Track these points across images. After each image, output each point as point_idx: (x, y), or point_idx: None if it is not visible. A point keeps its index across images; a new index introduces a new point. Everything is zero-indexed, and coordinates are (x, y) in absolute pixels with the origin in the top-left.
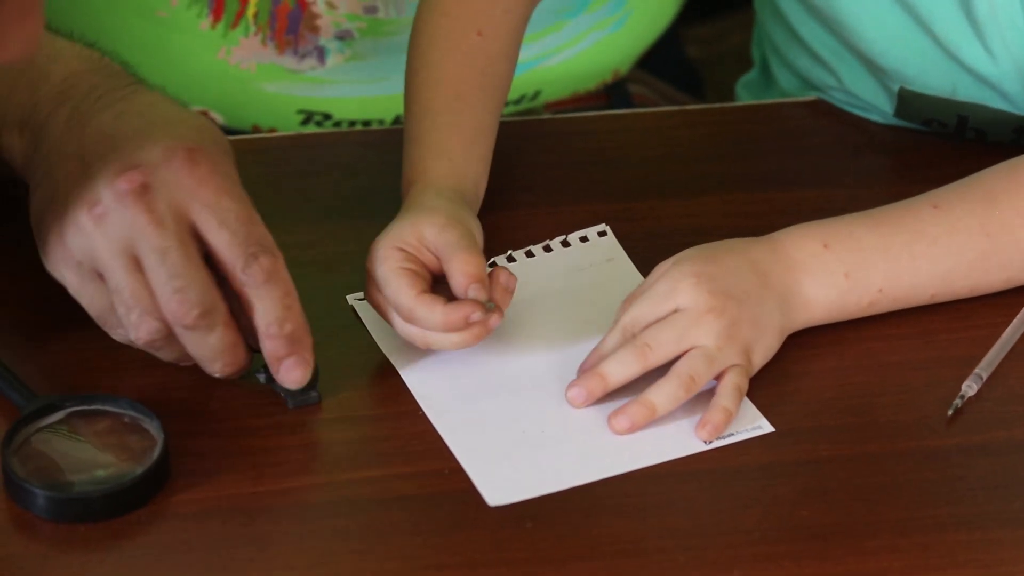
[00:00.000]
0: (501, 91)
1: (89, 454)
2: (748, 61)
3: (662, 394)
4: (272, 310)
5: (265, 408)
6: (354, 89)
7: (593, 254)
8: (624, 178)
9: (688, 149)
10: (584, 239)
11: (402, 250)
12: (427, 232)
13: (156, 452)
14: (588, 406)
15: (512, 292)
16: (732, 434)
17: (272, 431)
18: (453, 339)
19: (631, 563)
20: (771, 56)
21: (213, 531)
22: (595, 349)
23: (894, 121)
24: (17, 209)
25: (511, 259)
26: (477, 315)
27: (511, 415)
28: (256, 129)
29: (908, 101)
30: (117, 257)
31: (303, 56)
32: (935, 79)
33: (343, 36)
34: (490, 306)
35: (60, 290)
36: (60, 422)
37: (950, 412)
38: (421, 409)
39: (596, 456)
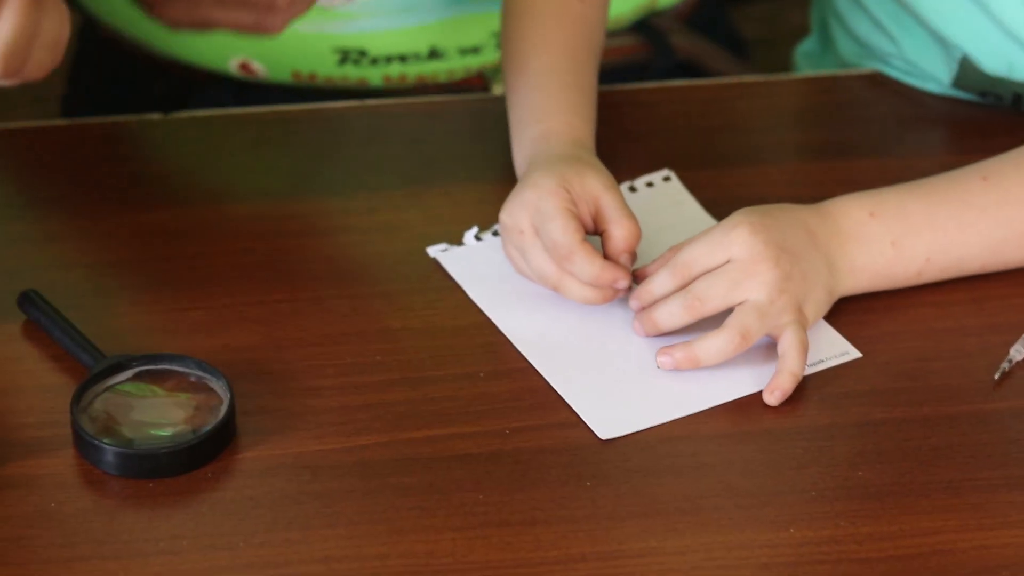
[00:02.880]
0: (599, 57)
1: (157, 412)
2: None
3: (712, 348)
4: None
5: (328, 369)
6: (386, 21)
7: (660, 198)
8: (683, 148)
9: (746, 119)
10: (650, 184)
11: (568, 192)
12: (593, 186)
13: (223, 410)
14: None
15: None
16: (822, 360)
17: (336, 391)
18: (587, 293)
19: (688, 519)
20: (832, 22)
21: (278, 488)
22: (645, 283)
23: (951, 92)
24: (94, 185)
25: None
26: (623, 283)
27: (606, 356)
28: (296, 75)
29: (968, 71)
30: None
31: None
32: (992, 57)
33: None
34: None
35: (129, 255)
36: (128, 381)
37: (997, 376)
38: (480, 371)
39: (694, 389)
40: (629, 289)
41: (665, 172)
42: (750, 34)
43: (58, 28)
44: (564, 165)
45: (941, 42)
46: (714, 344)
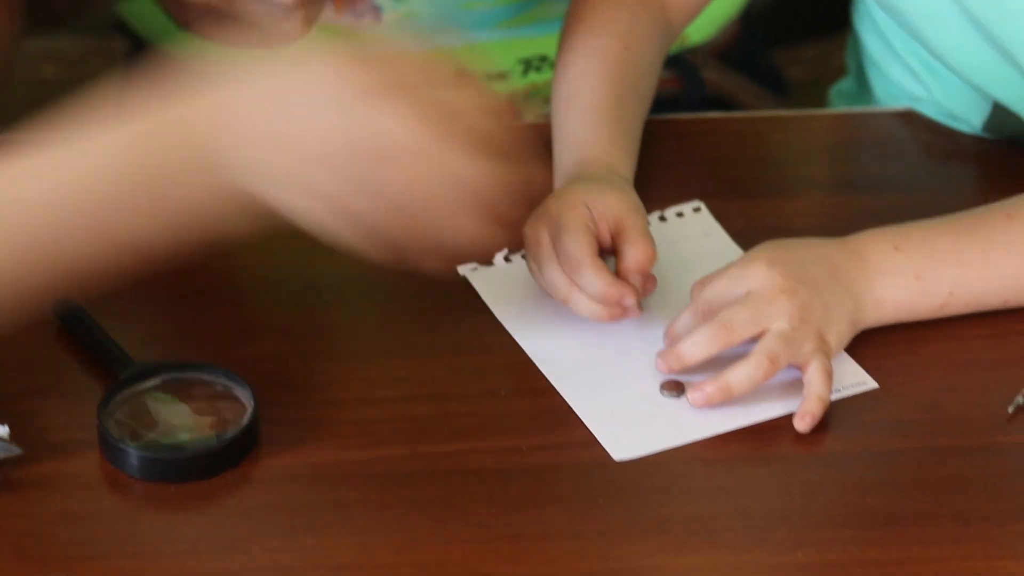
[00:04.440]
0: (646, 103)
1: (182, 418)
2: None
3: (741, 376)
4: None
5: (352, 382)
6: (476, 36)
7: (689, 228)
8: (714, 179)
9: (778, 152)
10: (680, 215)
11: (589, 209)
12: (615, 206)
13: (246, 418)
14: None
15: (649, 294)
16: (839, 390)
17: (358, 404)
18: (594, 308)
19: (697, 539)
20: (867, 65)
21: (296, 495)
22: (670, 325)
23: (983, 134)
24: None
25: None
26: (631, 301)
27: (625, 378)
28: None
29: (999, 116)
30: None
31: (360, 15)
32: (1019, 105)
33: None
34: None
35: (161, 263)
36: (155, 387)
37: (1011, 409)
38: (501, 389)
39: (709, 414)
40: (639, 312)
41: (696, 203)
42: (797, 76)
43: None
44: (592, 184)
45: (972, 88)
46: (744, 372)
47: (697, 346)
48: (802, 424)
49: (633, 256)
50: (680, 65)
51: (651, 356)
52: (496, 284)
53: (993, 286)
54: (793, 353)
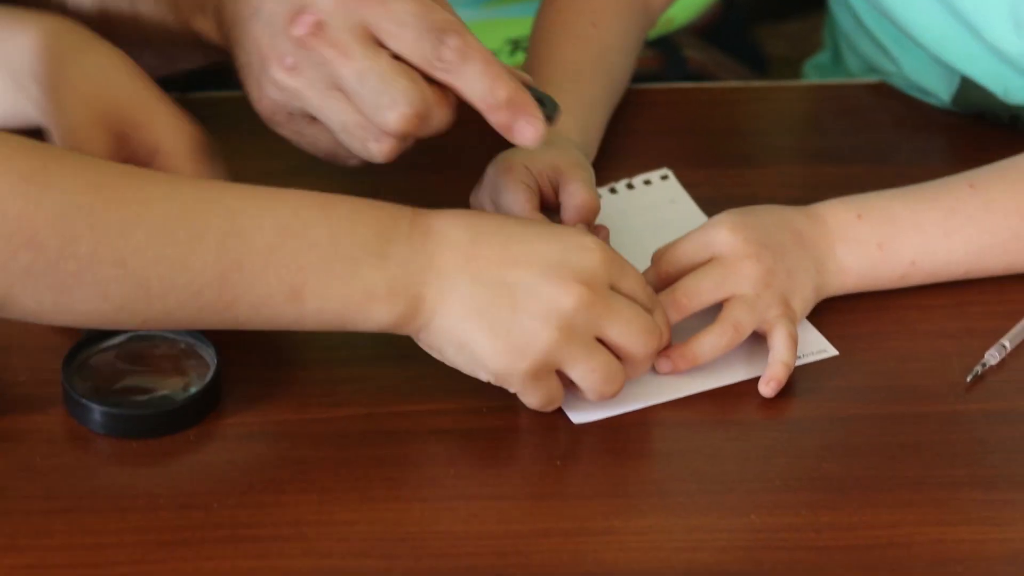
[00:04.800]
0: (614, 76)
1: (145, 376)
2: None
3: (706, 344)
4: (478, 84)
5: (316, 342)
6: (464, 15)
7: (656, 195)
8: (684, 148)
9: (748, 123)
10: (647, 182)
11: (527, 168)
12: (554, 163)
13: (209, 376)
14: None
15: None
16: (800, 357)
17: (322, 365)
18: None
19: (652, 502)
20: (840, 40)
21: (257, 453)
22: None
23: (952, 108)
24: None
25: None
26: None
27: None
28: None
29: (967, 90)
30: (325, 97)
31: None
32: (987, 81)
33: None
34: None
35: None
36: (120, 344)
37: (969, 378)
38: None
39: (672, 379)
40: None
41: (664, 171)
42: (776, 52)
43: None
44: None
45: (940, 64)
46: (708, 341)
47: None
48: (767, 389)
49: (573, 205)
50: (661, 43)
51: None
52: None
53: (955, 256)
54: (758, 319)
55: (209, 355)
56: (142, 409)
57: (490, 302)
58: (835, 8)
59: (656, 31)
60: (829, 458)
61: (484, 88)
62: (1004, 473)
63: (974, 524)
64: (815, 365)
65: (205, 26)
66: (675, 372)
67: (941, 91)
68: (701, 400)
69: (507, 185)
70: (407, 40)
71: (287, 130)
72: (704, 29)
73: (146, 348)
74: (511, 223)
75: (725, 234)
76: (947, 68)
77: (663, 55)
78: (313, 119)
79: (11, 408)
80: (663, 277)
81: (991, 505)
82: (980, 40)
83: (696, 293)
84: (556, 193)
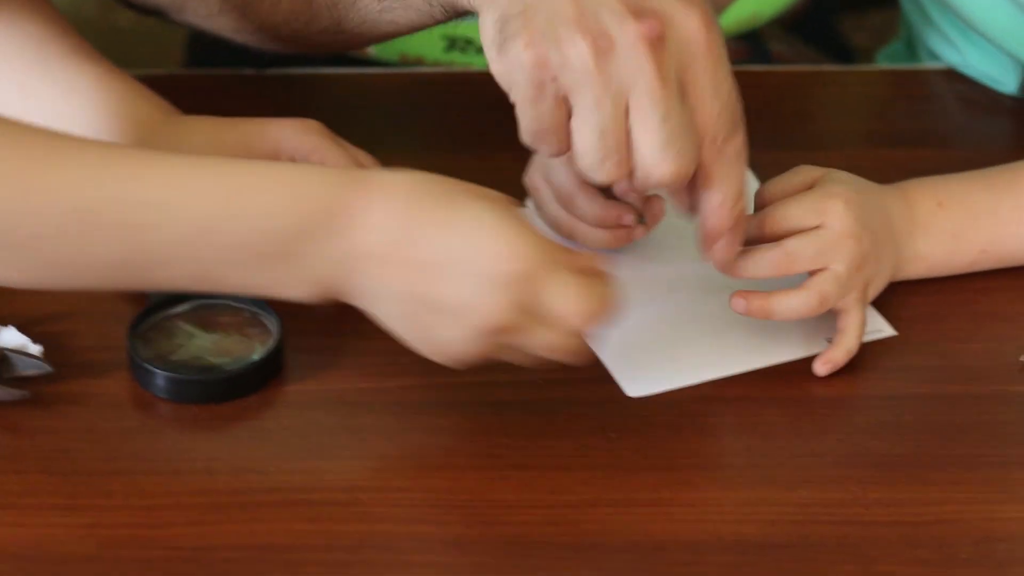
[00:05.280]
0: None
1: (209, 342)
2: None
3: (786, 304)
4: (734, 186)
5: None
6: None
7: None
8: (751, 130)
9: (818, 106)
10: None
11: None
12: None
13: (271, 344)
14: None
15: (660, 219)
16: None
17: (382, 335)
18: (598, 235)
19: (702, 475)
20: (912, 31)
21: (316, 420)
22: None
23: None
24: None
25: None
26: (630, 218)
27: (645, 316)
28: (403, 57)
29: None
30: (611, 98)
31: None
32: None
33: None
34: (641, 220)
35: None
36: (185, 312)
37: (1022, 358)
38: None
39: (729, 354)
40: (646, 230)
41: None
42: (860, 43)
43: None
44: None
45: (1005, 54)
46: (792, 302)
47: (757, 265)
48: (822, 369)
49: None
50: (747, 37)
51: (670, 293)
52: None
53: (1023, 243)
54: (841, 297)
55: (272, 324)
56: (204, 375)
57: (412, 314)
58: (903, 1)
59: (743, 27)
60: (880, 436)
61: (735, 190)
62: None
63: (1022, 503)
64: (871, 345)
65: None
66: (747, 313)
67: (1007, 81)
68: (753, 377)
69: (556, 160)
70: (711, 110)
71: (530, 87)
72: (790, 22)
73: (211, 315)
74: (448, 209)
75: (841, 207)
76: (1012, 59)
77: (749, 48)
78: (563, 99)
79: (77, 373)
80: (766, 232)
81: None
82: None
83: (798, 257)
84: None
